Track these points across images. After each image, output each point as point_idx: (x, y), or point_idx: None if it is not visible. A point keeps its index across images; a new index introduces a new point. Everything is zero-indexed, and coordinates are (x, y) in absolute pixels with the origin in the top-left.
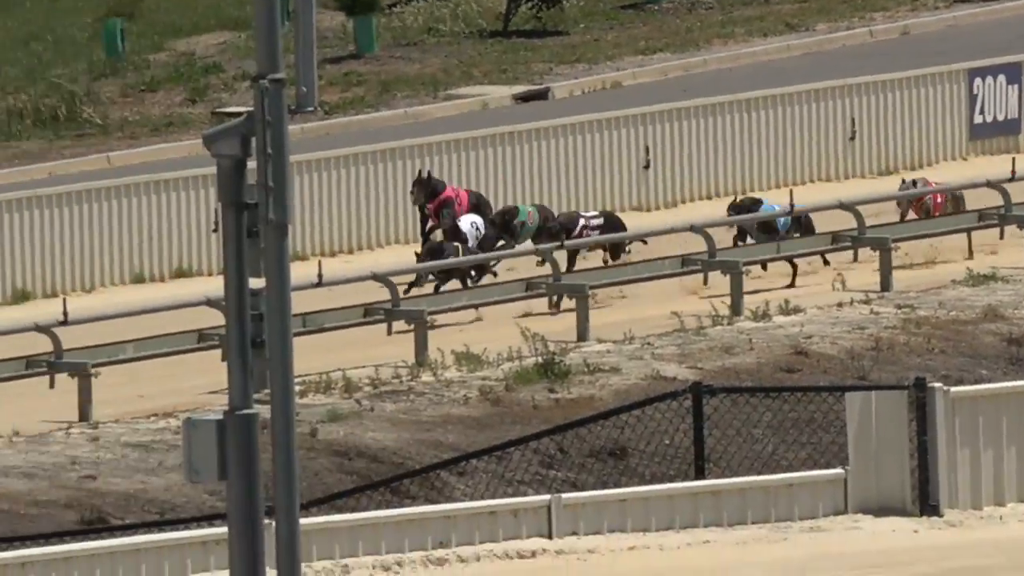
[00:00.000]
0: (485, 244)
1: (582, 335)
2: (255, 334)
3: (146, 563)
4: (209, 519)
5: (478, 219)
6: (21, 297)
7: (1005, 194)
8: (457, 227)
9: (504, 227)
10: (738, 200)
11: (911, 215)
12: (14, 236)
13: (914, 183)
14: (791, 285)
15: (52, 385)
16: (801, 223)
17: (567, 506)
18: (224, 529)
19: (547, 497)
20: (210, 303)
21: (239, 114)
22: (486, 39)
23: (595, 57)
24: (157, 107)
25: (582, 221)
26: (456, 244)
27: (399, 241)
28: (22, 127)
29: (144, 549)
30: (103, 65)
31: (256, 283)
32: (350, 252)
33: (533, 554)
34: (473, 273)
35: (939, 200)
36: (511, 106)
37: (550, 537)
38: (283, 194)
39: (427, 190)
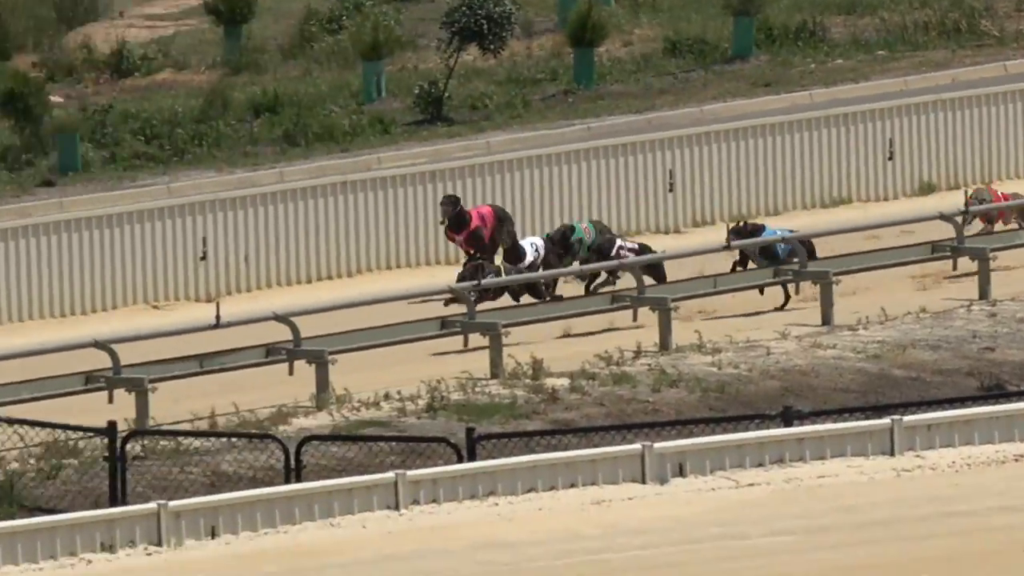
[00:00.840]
0: (546, 263)
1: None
2: None
3: None
4: None
5: (538, 240)
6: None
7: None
8: (517, 245)
9: (562, 245)
10: (740, 224)
11: (977, 226)
12: None
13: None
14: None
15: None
16: (804, 248)
17: None
18: None
19: None
20: None
21: None
22: None
23: None
24: None
25: (619, 242)
26: (498, 265)
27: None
28: (928, 38)
29: None
30: None
31: None
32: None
33: None
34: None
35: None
36: None
37: None
38: None
39: (454, 212)
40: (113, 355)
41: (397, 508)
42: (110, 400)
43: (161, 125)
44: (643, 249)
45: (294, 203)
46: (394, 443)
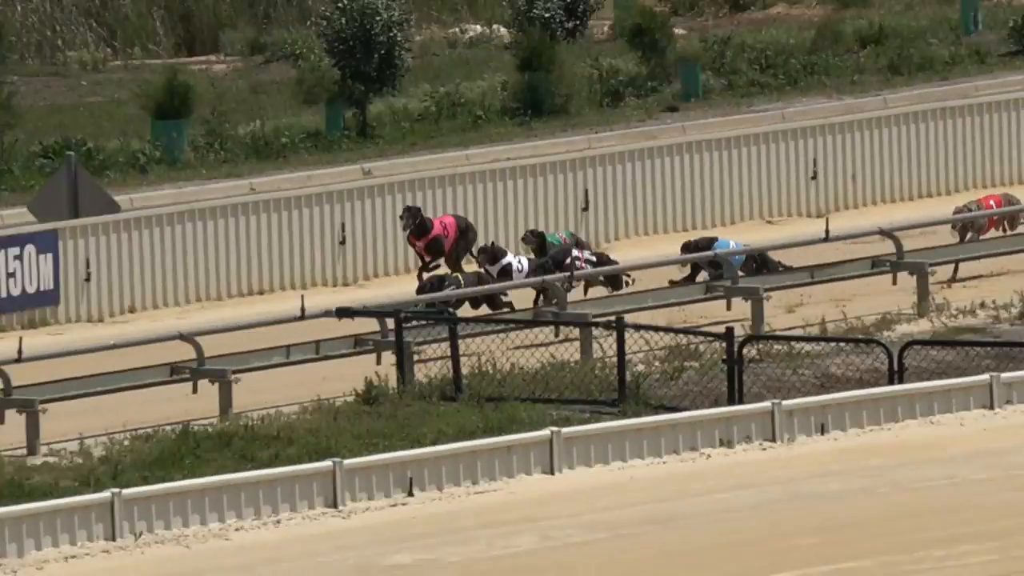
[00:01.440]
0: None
1: None
2: None
3: None
4: None
5: (523, 258)
6: None
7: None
8: (496, 258)
9: (538, 252)
10: (692, 241)
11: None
12: None
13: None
14: None
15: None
16: (759, 261)
17: None
18: None
19: None
20: None
21: None
22: None
23: None
24: None
25: (575, 252)
26: (457, 275)
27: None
28: None
29: None
30: None
31: None
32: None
33: None
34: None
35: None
36: None
37: None
38: None
39: (415, 221)
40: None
41: (991, 407)
42: (727, 307)
43: (775, 55)
44: (601, 259)
45: (897, 127)
46: (989, 348)
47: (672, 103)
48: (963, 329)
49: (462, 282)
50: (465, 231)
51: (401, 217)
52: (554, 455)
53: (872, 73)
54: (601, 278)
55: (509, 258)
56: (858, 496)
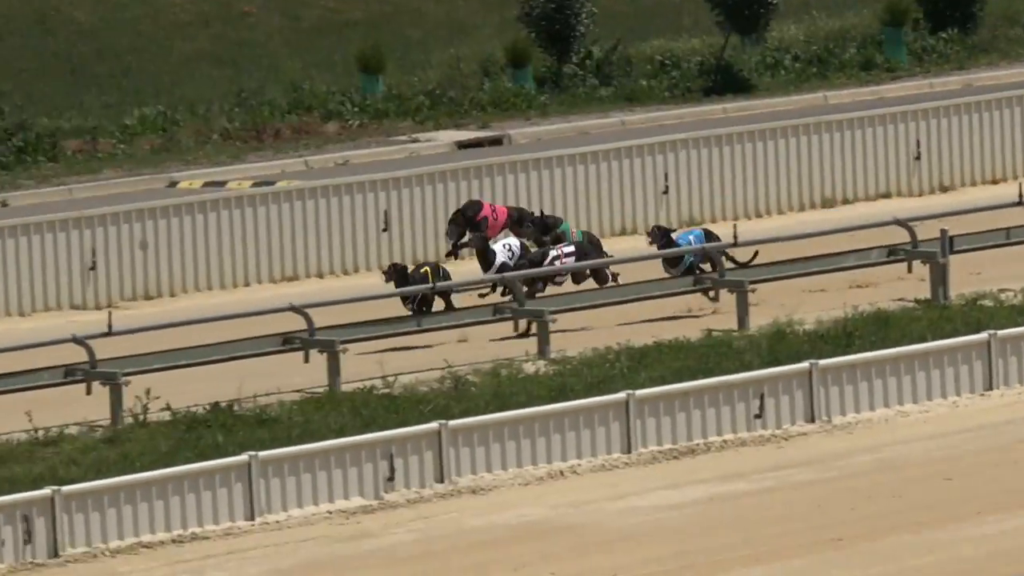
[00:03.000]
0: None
1: None
2: None
3: None
4: None
5: (514, 241)
6: None
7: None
8: (487, 250)
9: (543, 230)
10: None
11: None
12: None
13: None
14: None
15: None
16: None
17: None
18: None
19: None
20: None
21: None
22: None
23: None
24: None
25: (553, 253)
26: (426, 271)
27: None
28: None
29: None
30: None
31: None
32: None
33: None
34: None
35: None
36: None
37: None
38: None
39: (465, 220)
40: None
41: None
42: None
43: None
44: (580, 252)
45: None
46: None
47: None
48: None
49: (431, 280)
50: (519, 220)
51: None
52: None
53: None
54: (587, 272)
55: (500, 254)
56: None
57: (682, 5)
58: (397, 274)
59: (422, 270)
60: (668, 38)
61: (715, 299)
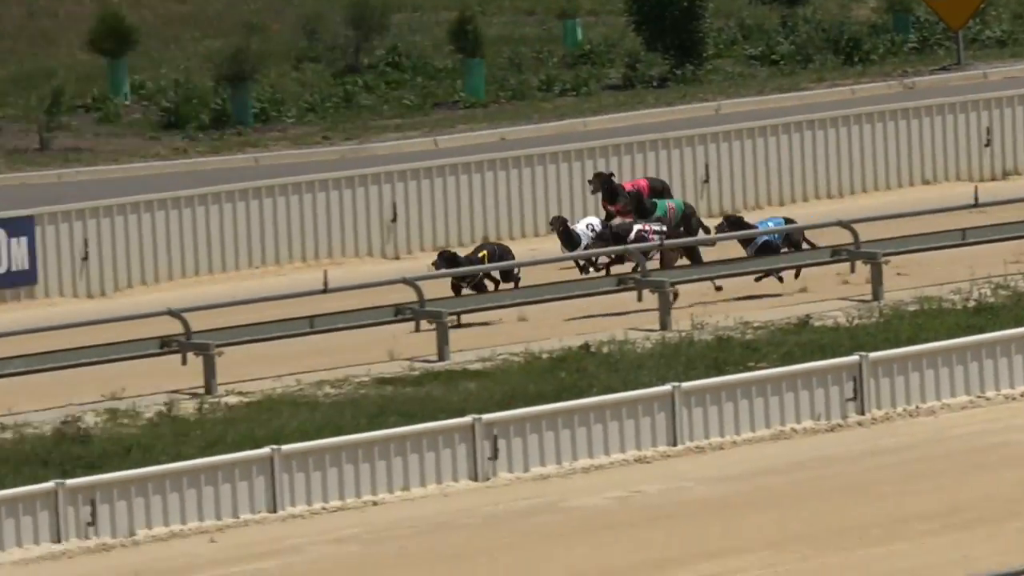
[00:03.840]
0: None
1: None
2: None
3: None
4: None
5: (594, 220)
6: None
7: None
8: (570, 232)
9: (639, 212)
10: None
11: None
12: None
13: None
14: None
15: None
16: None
17: None
18: None
19: None
20: None
21: None
22: None
23: None
24: None
25: (637, 227)
26: (484, 255)
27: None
28: None
29: None
30: None
31: None
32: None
33: None
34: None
35: None
36: None
37: None
38: None
39: (605, 188)
40: None
41: None
42: None
43: None
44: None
45: None
46: None
47: None
48: None
49: (485, 261)
50: (661, 192)
51: (589, 182)
52: None
53: None
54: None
55: (580, 226)
56: None
57: None
58: (446, 261)
59: (480, 254)
60: None
61: (781, 281)
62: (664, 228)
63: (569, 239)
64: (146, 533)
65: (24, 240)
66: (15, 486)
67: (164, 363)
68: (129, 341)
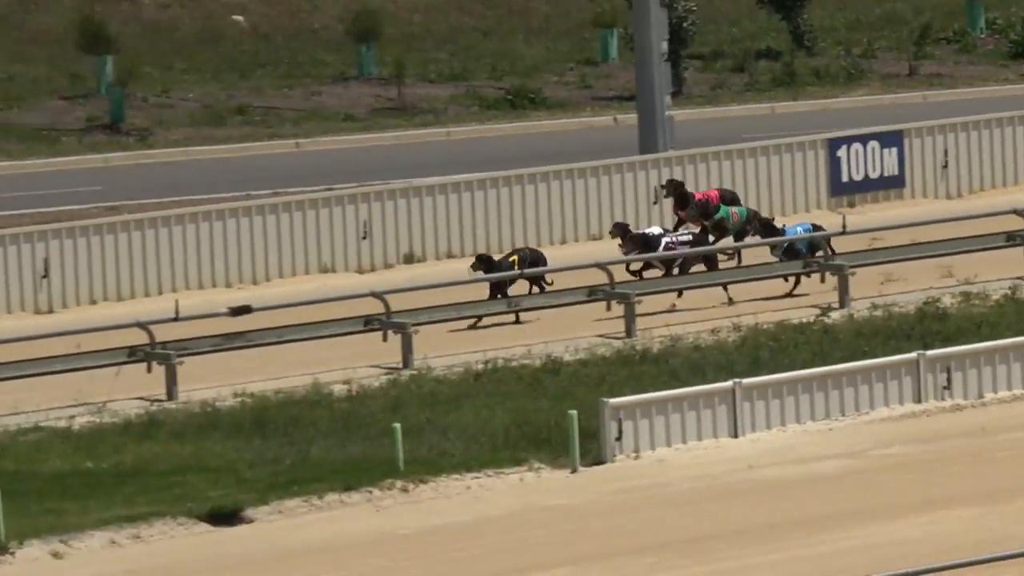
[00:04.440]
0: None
1: None
2: None
3: None
4: None
5: (655, 229)
6: None
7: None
8: (642, 236)
9: (705, 219)
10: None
11: None
12: None
13: None
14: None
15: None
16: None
17: None
18: None
19: None
20: None
21: None
22: None
23: None
24: None
25: (666, 239)
26: (513, 259)
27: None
28: None
29: None
30: None
31: None
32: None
33: None
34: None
35: None
36: None
37: None
38: None
39: (676, 194)
40: None
41: None
42: None
43: None
44: (697, 240)
45: None
46: None
47: None
48: None
49: (516, 266)
50: (731, 201)
51: (662, 187)
52: None
53: None
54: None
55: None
56: None
57: None
58: (484, 264)
59: (511, 258)
60: None
61: (823, 281)
62: (691, 237)
63: (646, 242)
64: (992, 396)
65: (895, 150)
66: (883, 355)
67: None
68: None
